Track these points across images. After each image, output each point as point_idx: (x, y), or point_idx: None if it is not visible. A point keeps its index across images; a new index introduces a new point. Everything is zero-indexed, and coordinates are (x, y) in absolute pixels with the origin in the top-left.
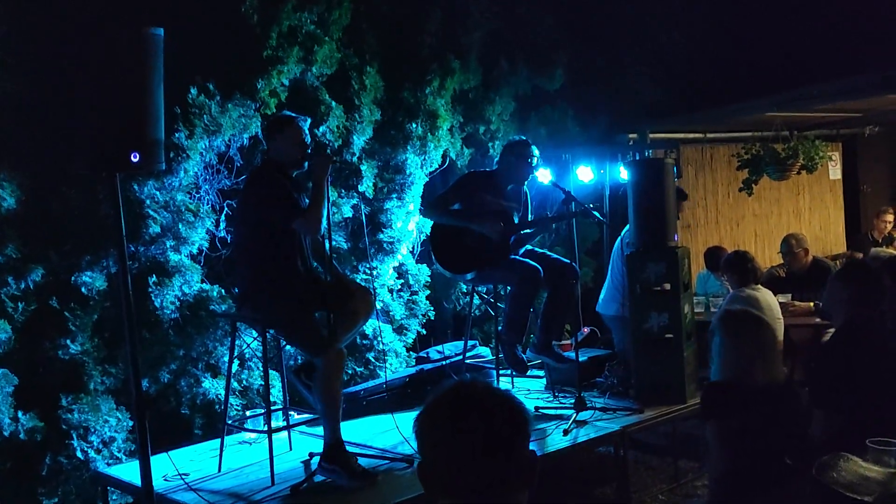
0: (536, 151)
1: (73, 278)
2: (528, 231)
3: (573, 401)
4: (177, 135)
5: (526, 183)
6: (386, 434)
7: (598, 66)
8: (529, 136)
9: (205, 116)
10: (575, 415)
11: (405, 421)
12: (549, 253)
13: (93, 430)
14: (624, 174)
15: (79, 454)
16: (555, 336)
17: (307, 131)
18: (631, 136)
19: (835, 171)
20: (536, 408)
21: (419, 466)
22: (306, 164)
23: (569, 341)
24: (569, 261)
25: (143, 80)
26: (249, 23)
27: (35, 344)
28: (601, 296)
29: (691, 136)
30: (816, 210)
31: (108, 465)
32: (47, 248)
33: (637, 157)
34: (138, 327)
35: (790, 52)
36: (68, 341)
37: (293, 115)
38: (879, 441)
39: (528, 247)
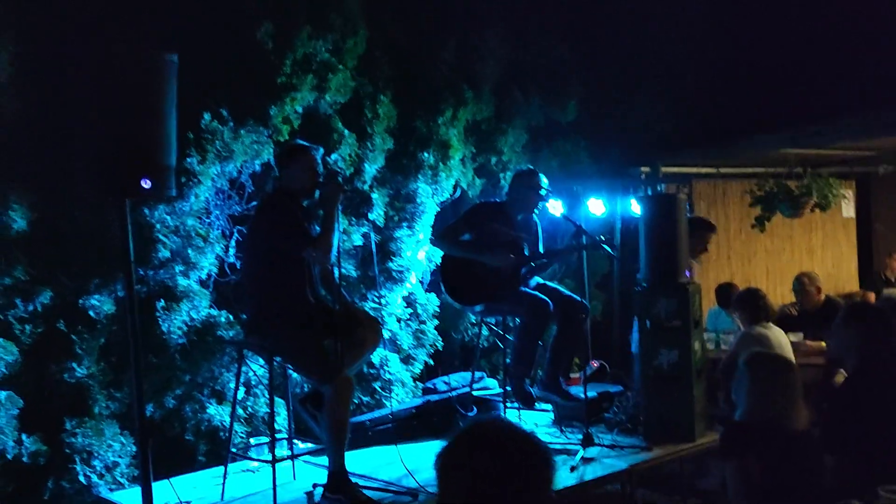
0: (545, 180)
1: (80, 301)
2: (538, 263)
3: (581, 437)
4: (189, 160)
5: (536, 212)
6: (390, 466)
7: (612, 98)
8: (541, 168)
9: (217, 142)
10: (582, 451)
11: (409, 453)
12: (559, 287)
13: (96, 454)
14: (636, 208)
15: (81, 479)
16: (562, 373)
17: (319, 160)
18: (643, 169)
19: (848, 209)
20: None
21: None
22: (317, 192)
23: (577, 375)
24: (579, 297)
25: (156, 105)
26: (264, 49)
27: (41, 366)
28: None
29: (704, 170)
30: (829, 248)
31: (111, 490)
32: (56, 270)
33: (649, 192)
34: (145, 352)
35: (806, 88)
36: (74, 364)
37: (306, 143)
38: (892, 490)
39: (539, 280)
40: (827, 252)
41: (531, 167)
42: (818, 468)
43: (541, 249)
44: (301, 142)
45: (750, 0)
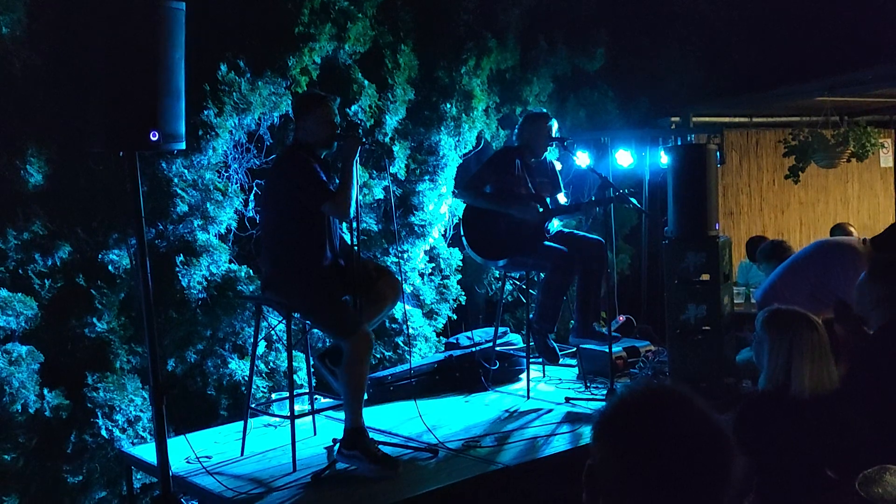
0: (555, 124)
1: (100, 256)
2: (563, 215)
3: (605, 392)
4: (205, 112)
5: (547, 155)
6: (411, 422)
7: (641, 46)
8: (568, 118)
9: (234, 94)
10: None
11: (431, 408)
12: (576, 232)
13: (118, 409)
14: (665, 159)
15: (104, 433)
16: (593, 317)
17: (336, 111)
18: (673, 119)
19: (886, 159)
20: (567, 398)
21: (590, 468)
22: (335, 144)
23: (603, 330)
24: (597, 236)
25: (163, 55)
26: None
27: (61, 321)
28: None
29: (736, 120)
30: (865, 198)
31: (133, 444)
32: (74, 224)
33: (678, 142)
34: (165, 307)
35: (842, 33)
36: (95, 319)
37: (322, 93)
38: None
39: (559, 227)
40: (863, 203)
41: (542, 111)
42: (847, 435)
43: (562, 190)
44: (317, 91)
45: None
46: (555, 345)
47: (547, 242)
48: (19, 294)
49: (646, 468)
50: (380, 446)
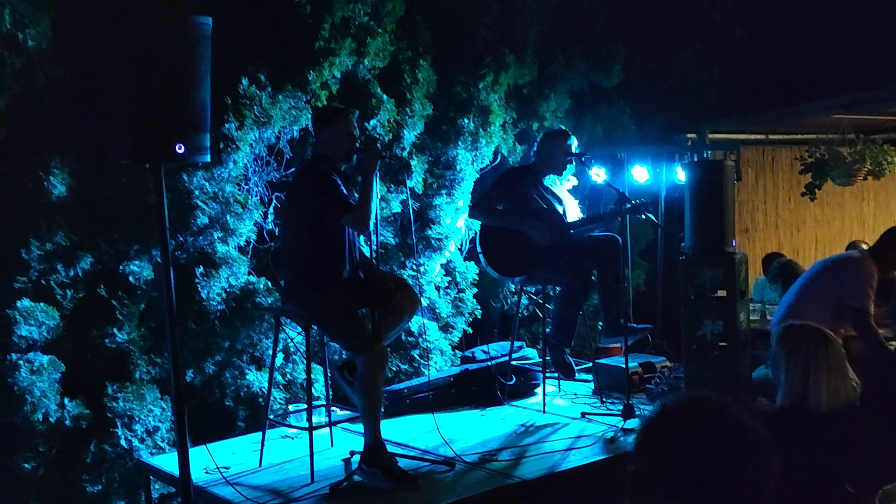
0: (575, 141)
1: (121, 267)
2: (578, 230)
3: (621, 408)
4: (227, 126)
5: (556, 176)
6: (428, 435)
7: (658, 63)
8: (585, 134)
9: (255, 108)
10: (623, 423)
11: (447, 422)
12: (586, 235)
13: (137, 418)
14: (681, 175)
15: (123, 443)
16: (618, 312)
17: (356, 124)
18: (689, 136)
19: None
20: (583, 413)
21: (636, 474)
22: (355, 157)
23: (618, 344)
24: (608, 232)
25: (190, 69)
26: (302, 13)
27: (82, 331)
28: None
29: (752, 137)
30: (881, 217)
31: (152, 454)
32: (96, 236)
33: (695, 158)
34: (184, 318)
35: (859, 50)
36: (115, 330)
37: (342, 106)
38: None
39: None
40: (879, 221)
41: (562, 127)
42: (865, 450)
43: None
44: (336, 105)
45: None
46: (571, 360)
47: (561, 253)
48: (41, 304)
49: (693, 471)
50: (397, 459)
